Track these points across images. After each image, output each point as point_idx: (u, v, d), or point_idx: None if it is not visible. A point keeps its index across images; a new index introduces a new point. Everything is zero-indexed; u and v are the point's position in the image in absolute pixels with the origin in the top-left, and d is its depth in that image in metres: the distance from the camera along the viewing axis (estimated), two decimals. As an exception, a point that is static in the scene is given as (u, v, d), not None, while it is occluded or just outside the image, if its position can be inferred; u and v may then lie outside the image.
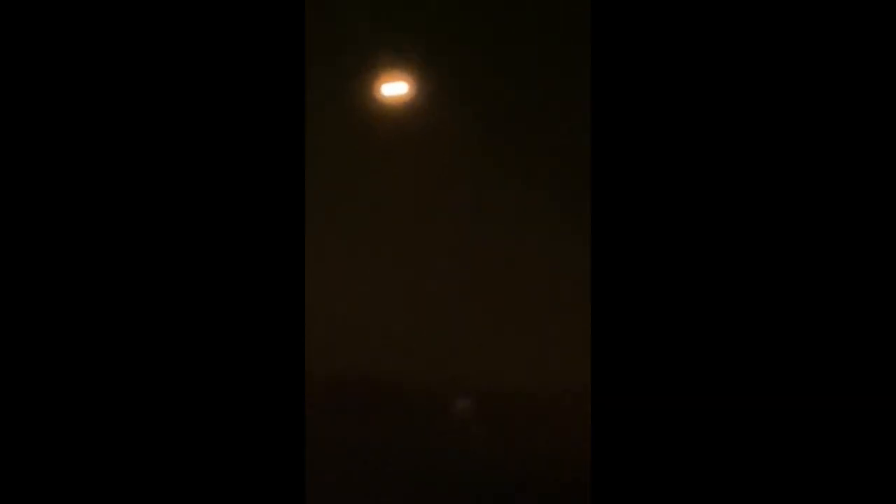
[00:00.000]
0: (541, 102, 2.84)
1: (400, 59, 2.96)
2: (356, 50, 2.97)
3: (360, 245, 2.50)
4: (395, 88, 2.88)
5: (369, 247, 2.50)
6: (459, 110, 2.85)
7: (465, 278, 2.39)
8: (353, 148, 2.76)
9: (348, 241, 2.49)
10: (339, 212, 2.55)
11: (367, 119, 2.82)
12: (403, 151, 2.77)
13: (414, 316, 2.32)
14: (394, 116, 2.85)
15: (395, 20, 3.07)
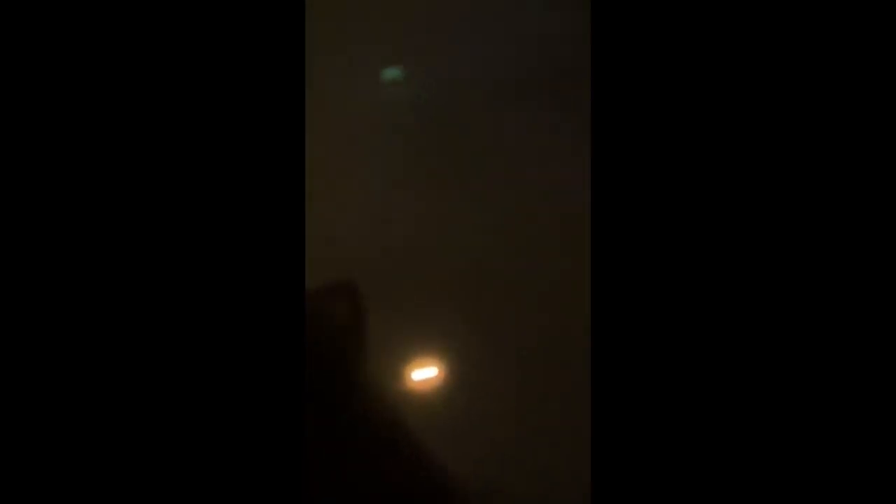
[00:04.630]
0: (541, 99, 2.84)
1: (400, 57, 2.96)
2: (357, 49, 2.98)
3: (360, 243, 2.51)
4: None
5: (369, 244, 2.50)
6: (461, 108, 2.86)
7: (468, 285, 2.40)
8: (354, 145, 2.76)
9: (348, 239, 2.50)
10: (340, 209, 2.55)
11: (367, 117, 2.83)
12: (404, 150, 2.78)
13: (413, 316, 2.32)
14: (394, 118, 2.85)
15: (395, 18, 3.08)
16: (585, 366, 2.13)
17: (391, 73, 2.70)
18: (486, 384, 2.25)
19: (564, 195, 2.59)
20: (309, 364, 0.96)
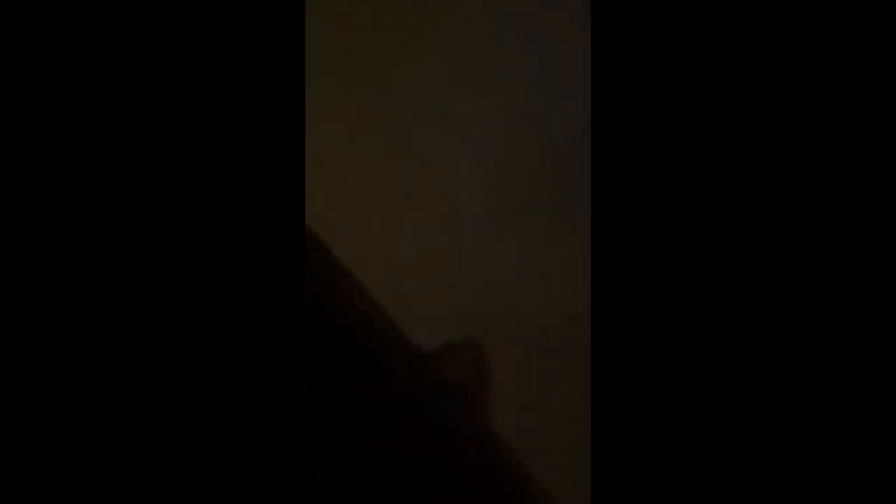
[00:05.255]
0: (543, 102, 2.84)
1: (401, 55, 2.96)
2: (357, 49, 2.97)
3: (361, 243, 2.50)
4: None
5: (370, 244, 2.50)
6: (462, 108, 2.85)
7: (467, 285, 2.39)
8: (355, 145, 2.76)
9: (348, 239, 2.49)
10: (341, 210, 2.55)
11: (368, 117, 2.82)
12: (405, 151, 2.78)
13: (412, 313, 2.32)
14: (395, 115, 2.85)
15: (396, 17, 3.08)
16: (586, 367, 2.12)
17: None
18: (486, 386, 2.24)
19: (566, 194, 2.58)
20: (310, 365, 0.95)
